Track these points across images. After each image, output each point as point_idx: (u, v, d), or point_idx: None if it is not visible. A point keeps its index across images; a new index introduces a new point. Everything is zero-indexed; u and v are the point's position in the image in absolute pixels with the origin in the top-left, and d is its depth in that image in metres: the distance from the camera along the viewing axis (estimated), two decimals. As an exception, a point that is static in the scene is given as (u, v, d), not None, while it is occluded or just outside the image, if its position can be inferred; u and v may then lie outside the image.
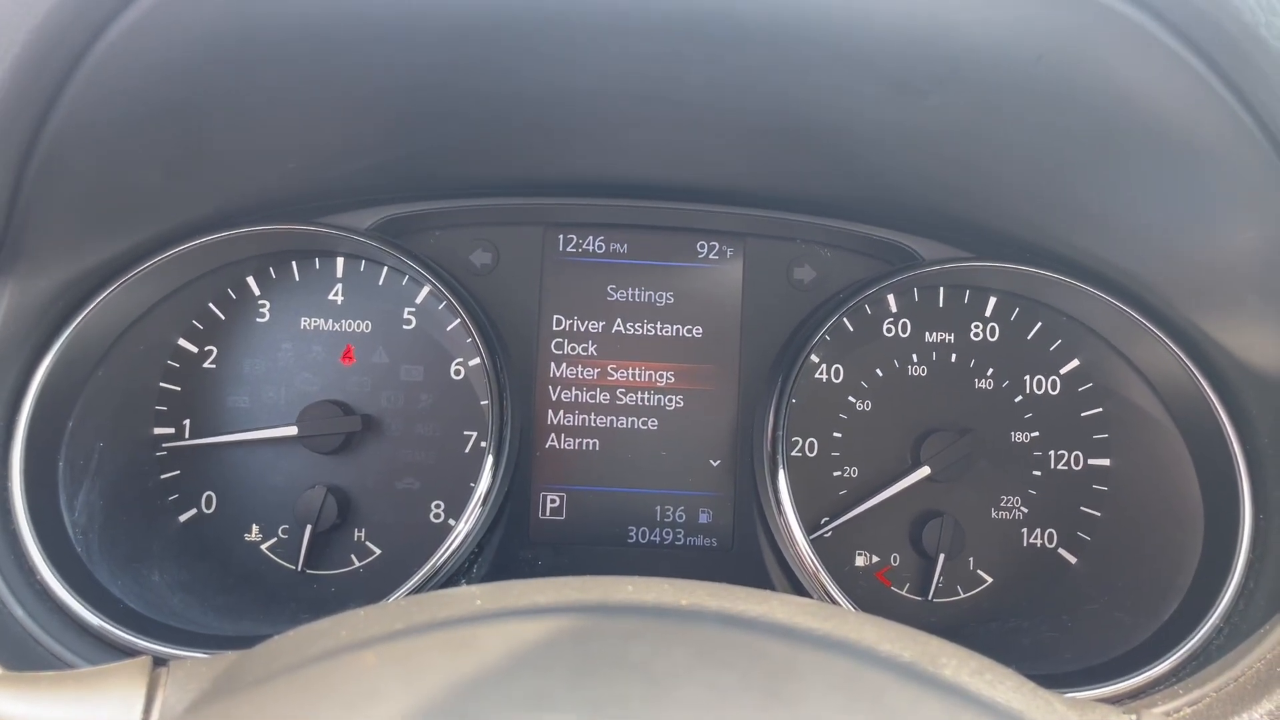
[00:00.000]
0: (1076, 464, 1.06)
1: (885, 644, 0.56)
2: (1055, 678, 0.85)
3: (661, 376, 1.11)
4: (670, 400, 1.10)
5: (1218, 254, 0.80)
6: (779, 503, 0.98)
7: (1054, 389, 1.06)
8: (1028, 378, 1.07)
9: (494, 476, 0.97)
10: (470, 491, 0.97)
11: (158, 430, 1.02)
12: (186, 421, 1.03)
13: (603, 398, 1.10)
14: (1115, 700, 0.80)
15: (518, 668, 0.33)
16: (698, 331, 1.11)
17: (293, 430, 1.02)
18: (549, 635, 0.37)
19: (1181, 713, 0.76)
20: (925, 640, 0.61)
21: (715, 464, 1.09)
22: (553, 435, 1.10)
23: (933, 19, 0.67)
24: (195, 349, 1.04)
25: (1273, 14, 0.63)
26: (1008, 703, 0.55)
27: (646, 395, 1.10)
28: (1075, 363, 1.06)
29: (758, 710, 0.36)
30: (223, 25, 0.69)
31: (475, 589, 0.51)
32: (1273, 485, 0.86)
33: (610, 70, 0.81)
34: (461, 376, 1.06)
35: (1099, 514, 1.04)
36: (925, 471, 1.03)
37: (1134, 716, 0.59)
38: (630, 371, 1.11)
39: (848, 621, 0.57)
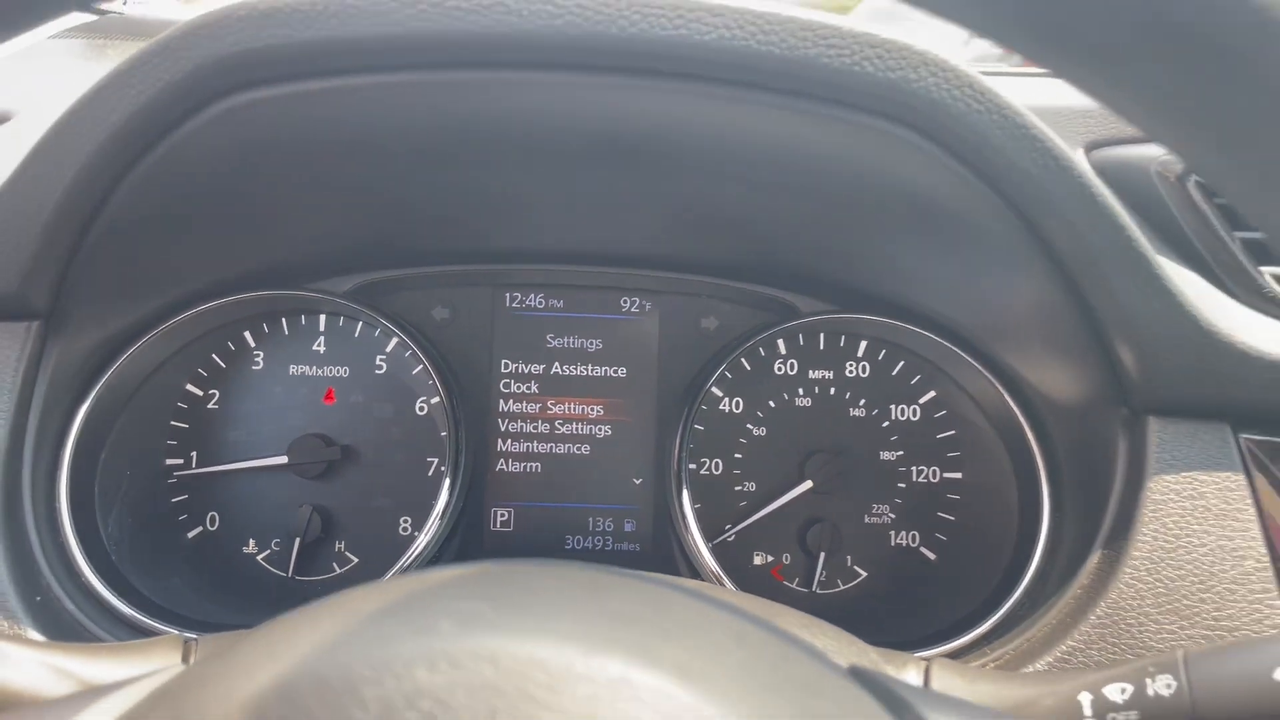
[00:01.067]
0: (934, 477, 1.28)
1: (740, 602, 0.75)
2: (897, 643, 1.06)
3: (592, 410, 1.32)
4: (600, 429, 1.32)
5: (1008, 308, 1.04)
6: (684, 515, 1.20)
7: (915, 415, 1.29)
8: (893, 406, 1.29)
9: (450, 494, 1.18)
10: (432, 508, 1.18)
11: (169, 461, 1.22)
12: (194, 453, 1.23)
13: (544, 428, 1.32)
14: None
15: (466, 585, 0.53)
16: (622, 372, 1.33)
17: (283, 459, 1.21)
18: (492, 569, 0.56)
19: (986, 667, 0.97)
20: (772, 604, 0.81)
21: (638, 482, 1.31)
22: (502, 460, 1.31)
23: (778, 145, 0.91)
24: (201, 393, 1.24)
25: (1016, 137, 0.86)
26: (825, 647, 0.74)
27: (580, 426, 1.32)
28: (932, 393, 1.28)
29: (627, 605, 0.53)
30: (241, 147, 0.91)
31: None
32: (1066, 492, 1.08)
33: (546, 176, 1.04)
34: (425, 412, 1.27)
35: (953, 518, 1.26)
36: (809, 484, 1.24)
37: (925, 663, 0.78)
38: (566, 406, 1.32)
39: (718, 590, 0.75)
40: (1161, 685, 0.63)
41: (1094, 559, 0.96)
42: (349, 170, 1.01)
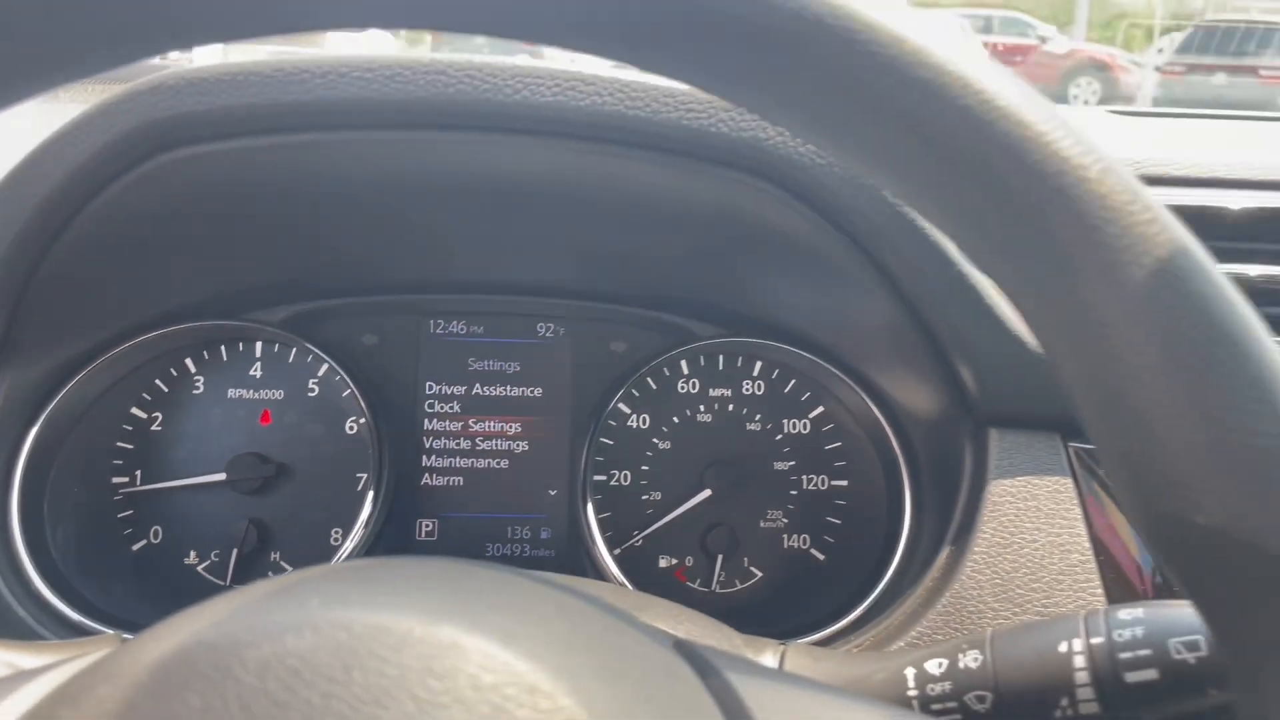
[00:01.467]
0: (823, 485, 1.39)
1: (611, 596, 0.85)
2: (783, 635, 1.18)
3: (511, 427, 1.43)
4: (518, 445, 1.43)
5: (869, 333, 1.17)
6: (589, 524, 1.31)
7: (805, 429, 1.41)
8: (786, 420, 1.41)
9: (374, 505, 1.28)
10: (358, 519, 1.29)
11: (116, 479, 1.31)
12: (139, 472, 1.31)
13: (466, 445, 1.42)
14: None
15: (337, 572, 0.64)
16: (538, 392, 1.44)
17: (222, 476, 1.30)
18: (366, 562, 0.67)
19: (850, 650, 1.09)
20: (648, 598, 0.91)
21: (553, 494, 1.42)
22: (427, 475, 1.42)
23: (654, 192, 1.03)
24: (145, 415, 1.33)
25: (853, 185, 0.99)
26: (688, 634, 0.84)
27: (499, 442, 1.43)
28: (821, 408, 1.40)
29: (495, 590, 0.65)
30: (177, 196, 1.02)
31: None
32: (925, 496, 1.21)
33: (459, 218, 1.16)
34: (355, 432, 1.37)
35: (839, 522, 1.38)
36: (708, 492, 1.36)
37: (784, 647, 0.83)
38: (487, 424, 1.43)
39: (605, 585, 0.85)
40: (970, 659, 0.75)
41: (943, 555, 1.08)
42: (277, 214, 1.12)
